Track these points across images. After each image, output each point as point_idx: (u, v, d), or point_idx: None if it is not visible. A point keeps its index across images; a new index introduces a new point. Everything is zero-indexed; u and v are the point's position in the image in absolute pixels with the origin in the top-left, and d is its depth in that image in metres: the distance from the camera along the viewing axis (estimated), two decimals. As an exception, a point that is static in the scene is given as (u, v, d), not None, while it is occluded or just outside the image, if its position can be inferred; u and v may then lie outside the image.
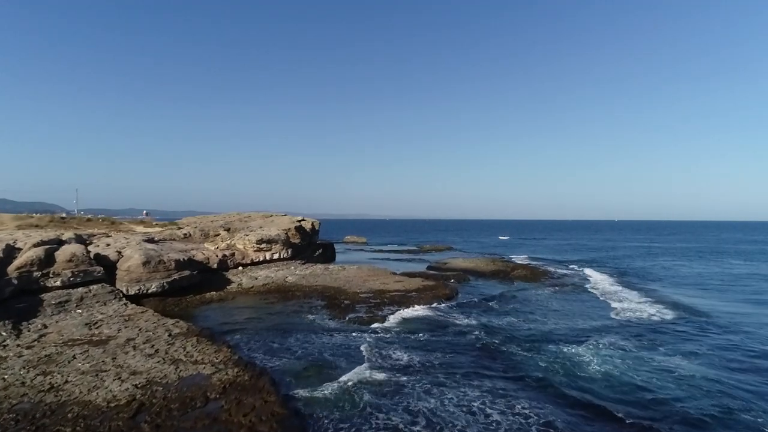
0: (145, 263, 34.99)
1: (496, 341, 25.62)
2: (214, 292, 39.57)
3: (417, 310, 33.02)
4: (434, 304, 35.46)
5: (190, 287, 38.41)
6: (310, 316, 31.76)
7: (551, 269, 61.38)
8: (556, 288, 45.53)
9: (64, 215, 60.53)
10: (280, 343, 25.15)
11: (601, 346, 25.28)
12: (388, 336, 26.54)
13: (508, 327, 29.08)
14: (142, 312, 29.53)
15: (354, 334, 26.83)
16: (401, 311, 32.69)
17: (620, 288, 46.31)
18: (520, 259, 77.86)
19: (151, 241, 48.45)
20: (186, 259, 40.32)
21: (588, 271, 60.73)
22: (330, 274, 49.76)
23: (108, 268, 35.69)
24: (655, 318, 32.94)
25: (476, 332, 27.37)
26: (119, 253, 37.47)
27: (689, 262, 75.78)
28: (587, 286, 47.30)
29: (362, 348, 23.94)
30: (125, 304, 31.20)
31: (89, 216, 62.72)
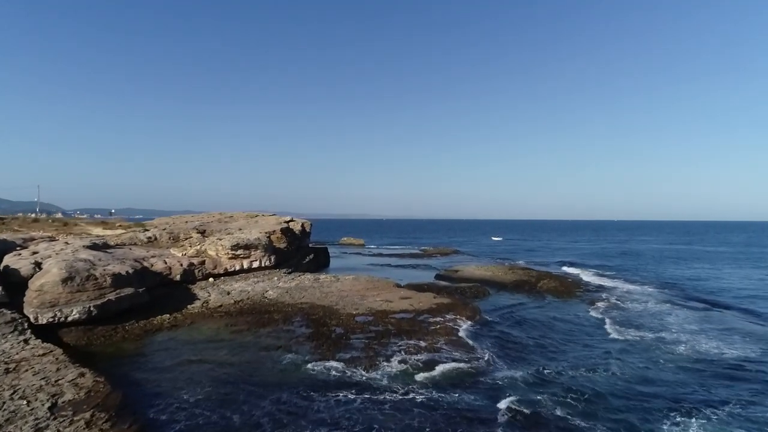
0: (66, 280, 25.90)
1: (573, 417, 16.56)
2: (168, 315, 30.53)
3: (434, 346, 24.03)
4: (454, 334, 26.53)
5: (135, 309, 29.39)
6: (288, 356, 22.81)
7: (580, 278, 52.64)
8: (599, 306, 36.63)
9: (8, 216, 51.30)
10: (235, 416, 16.25)
11: (725, 416, 16.55)
12: (399, 401, 17.58)
13: (576, 383, 19.88)
14: (43, 354, 20.47)
15: (346, 398, 17.82)
16: (412, 348, 23.71)
17: (671, 307, 37.28)
18: (537, 265, 69.00)
19: (101, 247, 39.43)
20: (132, 271, 31.27)
21: (622, 281, 51.94)
22: (320, 287, 40.79)
23: (20, 286, 26.72)
24: (750, 354, 24.46)
25: (537, 396, 18.30)
26: (37, 265, 28.39)
27: (731, 269, 67.01)
28: (631, 304, 38.18)
29: None
30: (26, 340, 22.09)
31: (35, 215, 53.52)
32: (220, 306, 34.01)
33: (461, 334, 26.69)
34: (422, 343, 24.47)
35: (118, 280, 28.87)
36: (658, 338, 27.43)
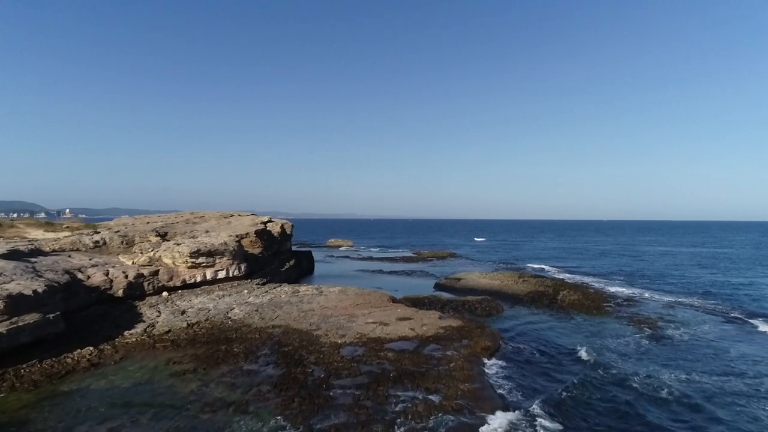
0: (-73, 307, 18.16)
1: None
2: (91, 349, 22.87)
3: (453, 403, 16.80)
4: (477, 379, 19.32)
5: (46, 341, 21.76)
6: (241, 422, 15.45)
7: (601, 288, 45.92)
8: (644, 330, 29.58)
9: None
10: None
11: None
12: None
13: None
14: None
15: None
16: (420, 406, 16.46)
17: (736, 330, 30.26)
18: (547, 272, 62.22)
19: (24, 254, 31.47)
20: (45, 289, 23.53)
21: (652, 291, 45.23)
22: (299, 303, 33.44)
23: None
24: None
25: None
26: None
27: (760, 274, 60.81)
28: (682, 328, 31.05)
29: None
30: None
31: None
32: (168, 331, 26.46)
33: (486, 378, 19.55)
34: (434, 398, 17.24)
35: (18, 304, 21.13)
36: (731, 386, 20.64)
